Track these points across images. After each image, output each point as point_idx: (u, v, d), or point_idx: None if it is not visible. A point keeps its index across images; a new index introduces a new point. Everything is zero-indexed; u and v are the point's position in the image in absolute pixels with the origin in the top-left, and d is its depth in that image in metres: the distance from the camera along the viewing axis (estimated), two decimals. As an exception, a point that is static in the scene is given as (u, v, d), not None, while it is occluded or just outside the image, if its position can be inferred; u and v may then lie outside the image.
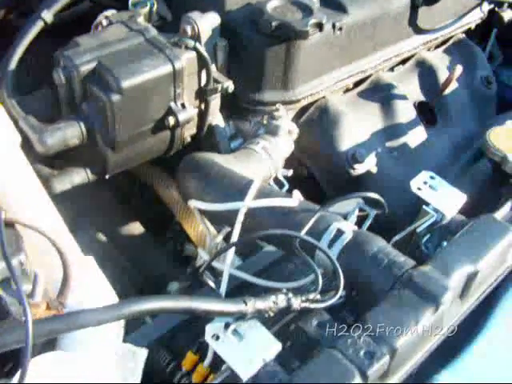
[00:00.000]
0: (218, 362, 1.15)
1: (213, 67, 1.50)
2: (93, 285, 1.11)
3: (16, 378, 0.86)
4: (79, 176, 1.49)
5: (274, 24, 1.51)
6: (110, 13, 1.55)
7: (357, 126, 1.81)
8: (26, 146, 1.33)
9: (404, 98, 1.94)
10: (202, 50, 1.45)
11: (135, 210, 1.90)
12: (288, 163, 1.63)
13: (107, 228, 1.76)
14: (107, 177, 1.53)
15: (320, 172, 1.81)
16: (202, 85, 1.50)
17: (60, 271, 1.03)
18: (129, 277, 1.67)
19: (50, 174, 1.47)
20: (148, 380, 1.04)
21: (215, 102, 1.57)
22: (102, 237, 1.73)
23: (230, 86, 1.53)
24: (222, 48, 1.57)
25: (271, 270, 1.39)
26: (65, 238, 1.16)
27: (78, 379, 0.93)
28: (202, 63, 1.46)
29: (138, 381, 0.97)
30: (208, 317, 1.03)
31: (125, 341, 1.05)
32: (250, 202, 1.24)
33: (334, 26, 1.64)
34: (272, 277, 1.37)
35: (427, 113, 2.01)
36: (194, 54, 1.44)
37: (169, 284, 1.56)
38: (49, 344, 0.99)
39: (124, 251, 1.73)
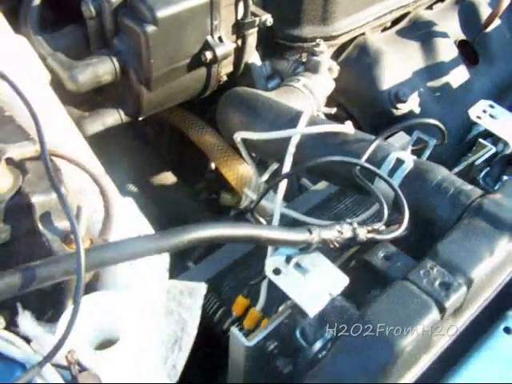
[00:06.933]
0: (271, 305, 1.08)
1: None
2: (135, 225, 1.03)
3: (65, 318, 0.78)
4: (112, 117, 1.40)
5: (313, -48, 1.41)
6: None
7: (397, 64, 1.72)
8: (55, 86, 1.24)
9: (445, 35, 1.84)
10: (239, -21, 1.35)
11: (166, 160, 1.81)
12: (326, 105, 1.54)
13: (138, 179, 1.67)
14: (141, 118, 1.45)
15: (360, 113, 1.71)
16: (239, 18, 1.41)
17: (99, 213, 0.95)
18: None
19: (81, 115, 1.38)
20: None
21: (252, 37, 1.47)
22: (132, 188, 1.64)
23: (268, 19, 1.44)
24: (258, -21, 1.47)
25: (321, 210, 1.31)
26: (104, 178, 1.08)
27: (128, 320, 0.85)
28: (239, -6, 1.37)
29: (197, 319, 0.88)
30: (270, 246, 0.95)
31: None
32: (303, 128, 1.14)
33: (375, -44, 1.54)
34: (323, 216, 1.29)
35: (469, 52, 1.91)
36: (230, -17, 1.35)
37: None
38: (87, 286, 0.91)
39: (157, 203, 1.64)
